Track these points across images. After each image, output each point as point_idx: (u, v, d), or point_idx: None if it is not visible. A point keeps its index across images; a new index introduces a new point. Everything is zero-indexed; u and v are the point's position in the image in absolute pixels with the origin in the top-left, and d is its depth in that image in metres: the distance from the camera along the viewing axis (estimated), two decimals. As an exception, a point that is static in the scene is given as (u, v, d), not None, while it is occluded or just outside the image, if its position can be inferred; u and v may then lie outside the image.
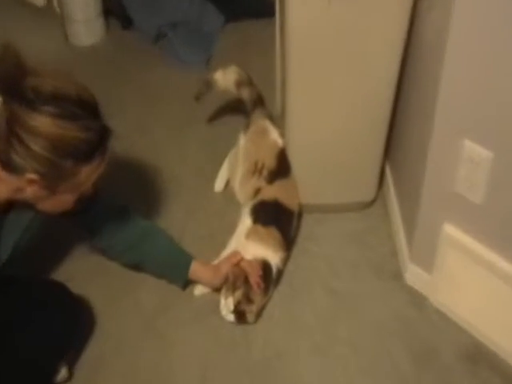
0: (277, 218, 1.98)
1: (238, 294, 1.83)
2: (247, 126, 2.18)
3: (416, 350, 1.83)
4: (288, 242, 2.00)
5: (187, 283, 1.96)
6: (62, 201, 1.52)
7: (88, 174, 1.48)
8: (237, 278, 1.85)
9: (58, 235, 2.07)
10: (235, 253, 1.92)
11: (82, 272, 2.05)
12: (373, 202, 2.24)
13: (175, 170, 2.41)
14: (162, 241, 1.92)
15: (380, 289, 2.00)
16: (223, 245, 2.05)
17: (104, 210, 1.83)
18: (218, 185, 2.30)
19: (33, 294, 1.70)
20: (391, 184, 2.19)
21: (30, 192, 1.44)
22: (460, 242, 1.75)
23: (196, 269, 1.91)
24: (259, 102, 2.22)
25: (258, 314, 1.89)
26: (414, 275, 1.97)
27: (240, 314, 1.85)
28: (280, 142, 2.09)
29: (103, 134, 1.46)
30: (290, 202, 2.03)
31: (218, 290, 1.92)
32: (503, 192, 1.60)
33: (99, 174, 1.52)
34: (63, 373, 1.75)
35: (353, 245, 2.13)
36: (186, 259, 1.91)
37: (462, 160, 1.63)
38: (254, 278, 1.85)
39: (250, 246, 1.94)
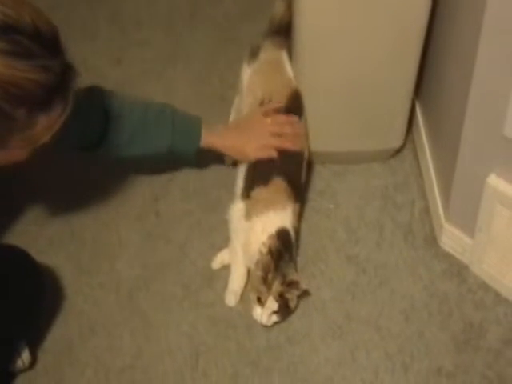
0: (282, 162, 1.96)
1: (277, 285, 1.78)
2: (255, 54, 2.14)
3: (455, 331, 1.82)
4: (299, 191, 1.98)
5: (199, 152, 2.02)
6: (14, 155, 1.46)
7: (46, 126, 1.40)
8: (266, 270, 1.78)
9: (15, 189, 2.08)
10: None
11: (46, 236, 2.05)
12: (400, 149, 2.23)
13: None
14: (165, 115, 1.98)
15: (410, 256, 1.99)
16: (218, 201, 2.07)
17: (86, 119, 1.80)
18: None
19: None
20: (423, 127, 2.18)
21: None
22: (509, 197, 1.73)
23: (209, 134, 1.99)
24: (286, 28, 2.13)
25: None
26: (451, 239, 1.96)
27: (285, 309, 1.82)
28: (296, 83, 2.05)
29: (65, 76, 1.37)
30: (299, 147, 2.01)
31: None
32: None
33: (60, 124, 1.44)
34: (25, 356, 1.75)
35: (376, 202, 2.13)
36: (195, 121, 2.00)
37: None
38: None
39: (256, 222, 1.89)
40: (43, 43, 1.32)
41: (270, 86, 2.05)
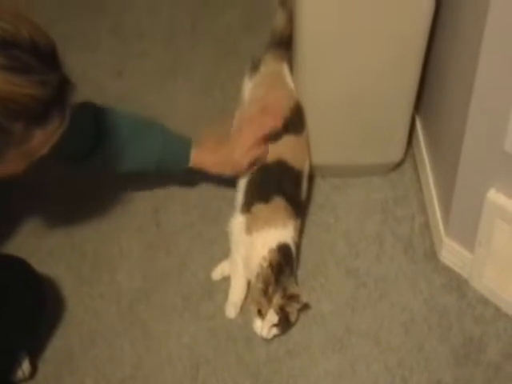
0: (281, 182, 1.96)
1: (277, 298, 1.79)
2: (255, 67, 2.15)
3: (454, 345, 1.83)
4: (299, 208, 1.99)
5: (189, 172, 2.05)
6: (10, 168, 1.47)
7: (43, 140, 1.42)
8: (267, 283, 1.80)
9: (16, 200, 2.10)
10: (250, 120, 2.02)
11: (47, 247, 2.05)
12: (401, 163, 2.24)
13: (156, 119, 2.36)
14: (154, 127, 2.00)
15: (410, 270, 2.00)
16: (219, 213, 2.10)
17: (78, 131, 1.75)
18: None
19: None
20: (423, 142, 2.20)
21: None
22: (509, 212, 1.74)
23: (200, 153, 2.00)
24: (286, 41, 2.14)
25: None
26: (451, 253, 1.97)
27: (285, 322, 1.83)
28: (297, 96, 2.06)
29: (62, 90, 1.39)
30: (298, 162, 2.01)
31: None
32: None
33: (57, 138, 1.45)
34: (25, 367, 1.76)
35: (376, 216, 2.14)
36: (184, 141, 2.00)
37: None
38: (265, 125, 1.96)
39: (257, 237, 1.90)
40: (41, 58, 1.34)
41: (272, 97, 2.05)
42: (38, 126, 1.37)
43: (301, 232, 2.01)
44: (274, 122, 1.96)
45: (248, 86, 2.14)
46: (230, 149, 1.99)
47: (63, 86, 1.39)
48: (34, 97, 1.32)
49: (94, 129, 1.89)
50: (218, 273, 1.99)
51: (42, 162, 1.48)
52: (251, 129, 1.98)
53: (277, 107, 1.99)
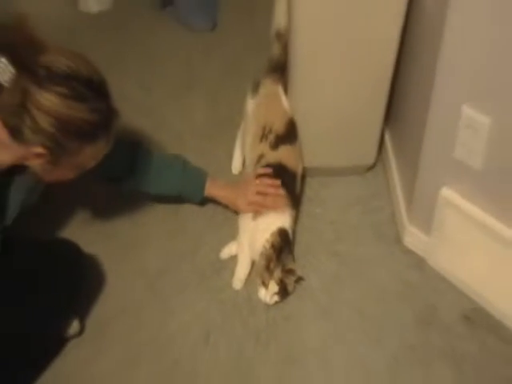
0: (280, 177, 2.09)
1: (278, 273, 1.92)
2: (256, 89, 2.25)
3: (417, 312, 1.95)
4: (295, 200, 2.10)
5: (204, 200, 2.17)
6: (64, 175, 1.64)
7: (92, 154, 1.59)
8: (269, 260, 1.93)
9: (62, 198, 2.19)
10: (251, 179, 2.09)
11: (87, 234, 2.15)
12: (373, 165, 2.36)
13: (176, 127, 2.58)
14: (177, 166, 2.11)
15: (381, 252, 2.12)
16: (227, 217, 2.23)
17: (117, 158, 1.84)
18: (235, 165, 2.40)
19: (43, 248, 1.83)
20: (390, 150, 2.31)
21: (35, 163, 1.54)
22: (458, 206, 1.85)
23: (212, 186, 2.12)
24: (282, 66, 2.23)
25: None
26: (412, 237, 2.08)
27: (284, 291, 1.95)
28: (291, 113, 2.18)
29: (109, 116, 1.56)
30: (294, 165, 2.13)
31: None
32: (502, 157, 1.69)
33: (104, 153, 1.62)
34: (75, 325, 1.90)
35: (356, 208, 2.25)
36: (201, 175, 2.13)
37: (461, 126, 1.71)
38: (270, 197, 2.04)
39: (260, 222, 2.04)
40: (94, 89, 1.50)
41: (271, 116, 2.16)
42: (88, 144, 1.54)
43: (296, 220, 2.11)
44: (274, 202, 2.04)
45: (250, 105, 2.25)
46: (236, 193, 2.11)
47: (110, 113, 1.56)
48: (86, 120, 1.49)
49: (130, 160, 2.01)
50: (225, 253, 2.10)
51: (88, 173, 1.64)
52: (254, 189, 2.07)
53: (281, 203, 2.06)
